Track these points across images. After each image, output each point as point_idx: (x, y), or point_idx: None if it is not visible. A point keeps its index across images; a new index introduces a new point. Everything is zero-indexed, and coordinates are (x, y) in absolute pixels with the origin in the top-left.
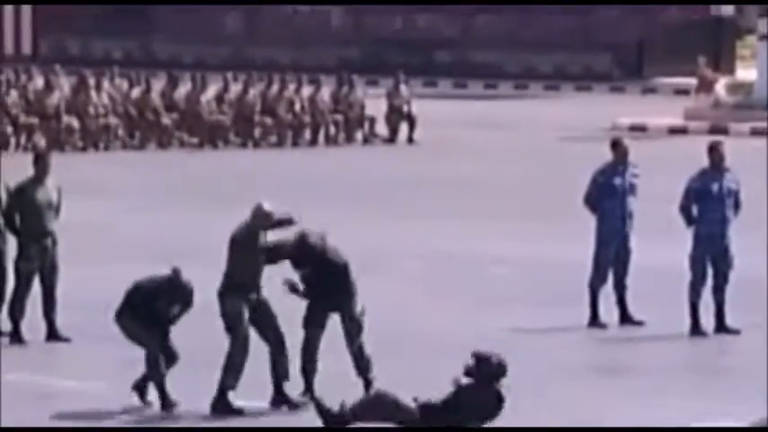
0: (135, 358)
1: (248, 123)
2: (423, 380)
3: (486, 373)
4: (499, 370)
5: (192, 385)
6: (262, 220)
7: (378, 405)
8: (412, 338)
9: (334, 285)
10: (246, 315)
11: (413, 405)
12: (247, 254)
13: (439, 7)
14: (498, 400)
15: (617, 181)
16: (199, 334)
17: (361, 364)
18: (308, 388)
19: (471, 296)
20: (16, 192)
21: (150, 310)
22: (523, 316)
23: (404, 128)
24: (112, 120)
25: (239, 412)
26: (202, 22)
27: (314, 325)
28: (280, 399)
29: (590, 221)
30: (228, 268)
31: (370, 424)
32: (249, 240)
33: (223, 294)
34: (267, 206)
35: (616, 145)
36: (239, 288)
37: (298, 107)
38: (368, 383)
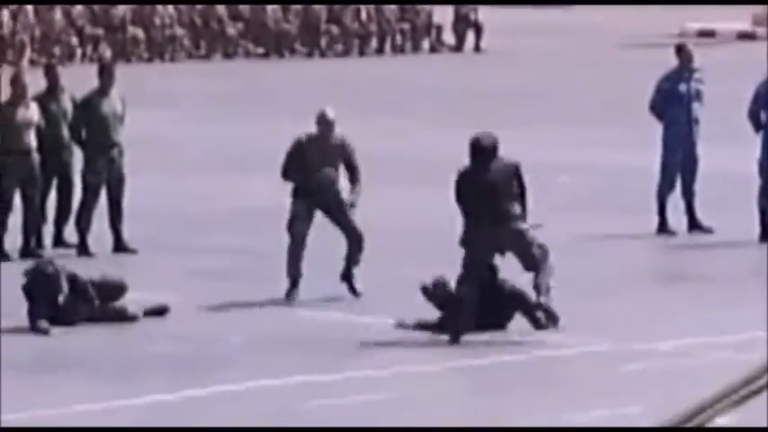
0: (200, 269)
1: (314, 32)
2: None
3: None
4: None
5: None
6: (325, 126)
7: None
8: None
9: None
10: (308, 217)
11: None
12: (314, 158)
13: None
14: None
15: (682, 87)
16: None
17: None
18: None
19: (538, 204)
20: (82, 103)
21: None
22: (591, 223)
23: (470, 36)
24: (178, 30)
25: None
26: None
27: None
28: (349, 286)
29: (657, 128)
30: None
31: None
32: (316, 148)
33: (292, 196)
34: (330, 112)
35: (681, 51)
36: (299, 192)
37: (364, 16)
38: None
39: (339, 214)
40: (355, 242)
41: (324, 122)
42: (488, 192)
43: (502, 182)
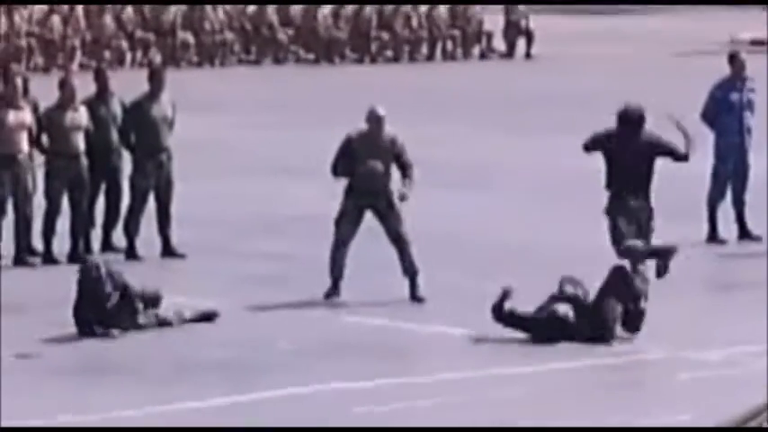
0: (248, 274)
1: (365, 38)
2: (537, 293)
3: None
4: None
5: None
6: (375, 123)
7: None
8: (527, 252)
9: None
10: (358, 215)
11: None
12: (364, 158)
13: None
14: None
15: (734, 96)
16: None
17: None
18: None
19: (588, 210)
20: (131, 107)
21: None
22: None
23: (521, 43)
24: (228, 35)
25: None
26: None
27: None
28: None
29: (709, 137)
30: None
31: None
32: (365, 145)
33: (344, 194)
34: (380, 110)
35: (733, 59)
36: (351, 190)
37: (415, 22)
38: None
39: (389, 218)
40: (403, 248)
41: (374, 120)
42: (633, 162)
43: (644, 156)
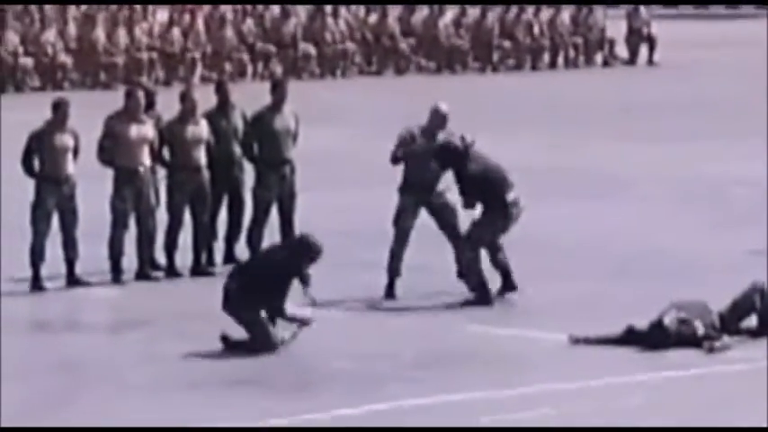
0: (372, 285)
1: (486, 47)
2: (661, 301)
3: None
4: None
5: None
6: (438, 120)
7: None
8: (655, 260)
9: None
10: (414, 211)
11: None
12: (423, 156)
13: None
14: None
15: None
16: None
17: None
18: None
19: (712, 217)
20: (254, 120)
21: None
22: (764, 237)
23: (644, 49)
24: (349, 46)
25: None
26: None
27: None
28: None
29: None
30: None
31: None
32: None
33: (400, 192)
34: (444, 107)
35: None
36: (412, 187)
37: (536, 30)
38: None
39: (444, 212)
40: (458, 244)
41: (436, 116)
42: None
43: None
